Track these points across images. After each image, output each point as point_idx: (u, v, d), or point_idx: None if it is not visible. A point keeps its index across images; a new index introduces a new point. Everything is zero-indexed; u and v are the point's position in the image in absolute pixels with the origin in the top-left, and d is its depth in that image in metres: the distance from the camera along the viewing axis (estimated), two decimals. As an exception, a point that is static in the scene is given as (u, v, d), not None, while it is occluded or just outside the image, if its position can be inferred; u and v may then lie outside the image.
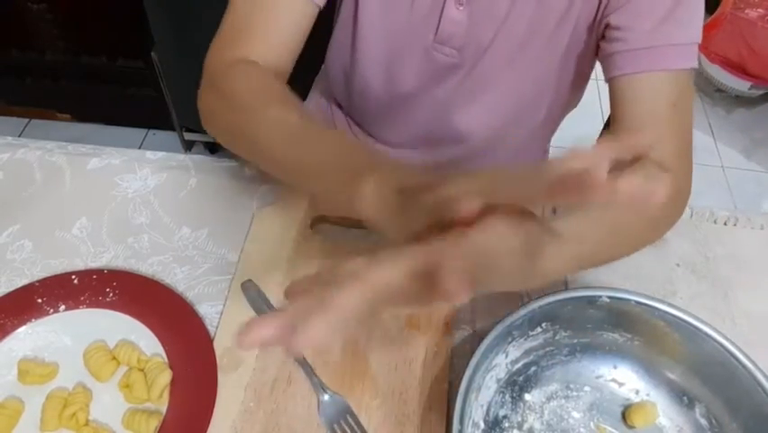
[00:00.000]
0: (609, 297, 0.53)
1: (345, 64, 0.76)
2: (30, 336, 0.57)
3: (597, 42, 0.65)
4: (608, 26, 0.61)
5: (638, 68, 0.59)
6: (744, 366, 0.50)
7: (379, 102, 0.78)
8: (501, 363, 0.53)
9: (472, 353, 0.49)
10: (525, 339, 0.54)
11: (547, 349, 0.56)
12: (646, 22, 0.59)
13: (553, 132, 0.85)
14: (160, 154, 0.74)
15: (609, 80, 0.63)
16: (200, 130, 1.79)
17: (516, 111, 0.74)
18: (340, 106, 0.87)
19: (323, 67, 0.85)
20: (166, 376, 0.53)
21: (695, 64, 0.60)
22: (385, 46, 0.70)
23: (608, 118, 1.01)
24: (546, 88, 0.72)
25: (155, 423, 0.51)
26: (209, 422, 0.51)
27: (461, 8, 0.65)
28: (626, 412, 0.54)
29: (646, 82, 0.59)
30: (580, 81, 0.73)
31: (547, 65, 0.68)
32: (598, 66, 0.67)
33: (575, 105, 0.81)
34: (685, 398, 0.54)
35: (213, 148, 1.87)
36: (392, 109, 0.78)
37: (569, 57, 0.68)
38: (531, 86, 0.71)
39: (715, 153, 2.00)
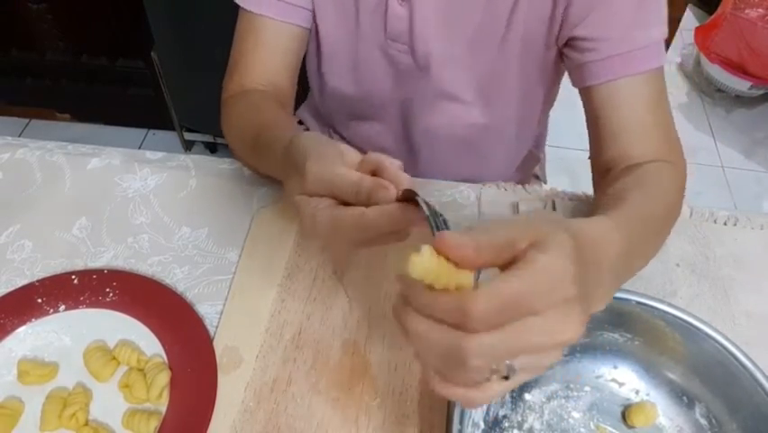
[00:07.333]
0: (609, 297, 0.53)
1: (316, 72, 0.77)
2: (30, 336, 0.57)
3: (558, 54, 0.66)
4: (574, 39, 0.62)
5: (614, 75, 0.60)
6: (744, 366, 0.50)
7: (351, 107, 0.79)
8: (501, 363, 0.53)
9: (472, 353, 0.49)
10: (525, 339, 0.54)
11: (547, 349, 0.56)
12: (614, 29, 0.60)
13: (531, 136, 0.84)
14: (160, 154, 0.74)
15: (584, 89, 0.63)
16: (200, 130, 1.80)
17: (481, 117, 0.74)
18: (326, 121, 0.88)
19: None
20: (164, 376, 0.53)
21: (664, 60, 0.61)
22: (345, 48, 0.71)
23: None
24: (508, 98, 0.72)
25: (155, 423, 0.51)
26: (209, 422, 0.51)
27: (403, 3, 0.65)
28: (626, 412, 0.54)
29: (623, 88, 0.60)
30: (545, 91, 0.74)
31: (503, 73, 0.69)
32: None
33: (547, 110, 0.82)
34: (685, 398, 0.54)
35: (213, 148, 1.88)
36: (365, 113, 0.79)
37: (527, 67, 0.69)
38: (489, 93, 0.71)
39: (715, 153, 2.00)
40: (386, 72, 0.72)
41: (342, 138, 0.87)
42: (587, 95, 0.63)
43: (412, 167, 0.85)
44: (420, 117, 0.75)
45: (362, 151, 0.88)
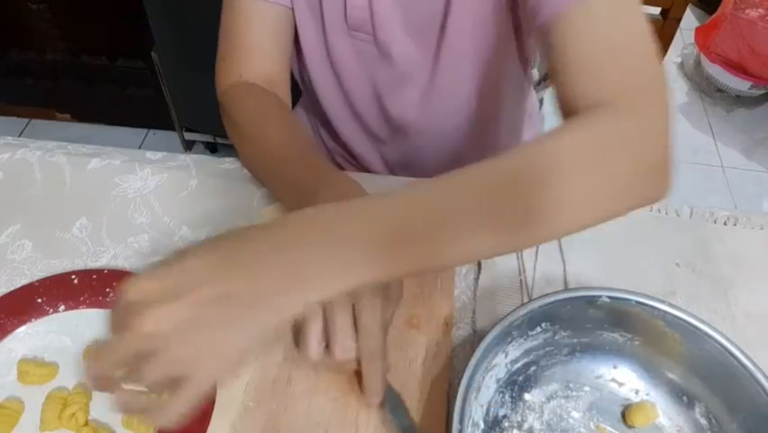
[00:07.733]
0: (609, 297, 0.53)
1: (296, 66, 0.77)
2: (30, 336, 0.57)
3: (525, 33, 0.66)
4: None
5: (557, 6, 0.52)
6: (744, 366, 0.50)
7: (331, 100, 0.79)
8: (501, 362, 0.53)
9: (472, 353, 0.49)
10: (525, 339, 0.54)
11: (547, 349, 0.56)
12: None
13: (498, 121, 0.82)
14: (161, 154, 0.74)
15: (536, 37, 0.61)
16: (200, 130, 1.80)
17: (443, 103, 0.75)
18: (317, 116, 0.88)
19: None
20: (166, 376, 0.53)
21: None
22: (317, 41, 0.71)
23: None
24: (465, 81, 0.72)
25: (155, 423, 0.51)
26: (209, 422, 0.51)
27: None
28: (625, 412, 0.54)
29: (568, 19, 0.52)
30: (504, 74, 0.73)
31: (455, 56, 0.69)
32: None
33: (523, 96, 0.82)
34: (685, 398, 0.54)
35: (213, 148, 1.88)
36: (345, 107, 0.79)
37: (481, 49, 0.68)
38: (446, 77, 0.71)
39: (715, 153, 2.00)
40: (356, 62, 0.72)
41: (329, 134, 0.87)
42: (541, 41, 0.56)
43: (393, 162, 0.85)
44: (391, 106, 0.75)
45: (349, 153, 0.88)
